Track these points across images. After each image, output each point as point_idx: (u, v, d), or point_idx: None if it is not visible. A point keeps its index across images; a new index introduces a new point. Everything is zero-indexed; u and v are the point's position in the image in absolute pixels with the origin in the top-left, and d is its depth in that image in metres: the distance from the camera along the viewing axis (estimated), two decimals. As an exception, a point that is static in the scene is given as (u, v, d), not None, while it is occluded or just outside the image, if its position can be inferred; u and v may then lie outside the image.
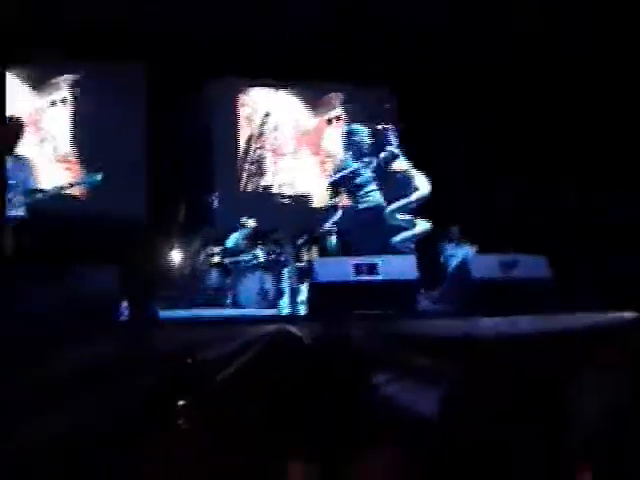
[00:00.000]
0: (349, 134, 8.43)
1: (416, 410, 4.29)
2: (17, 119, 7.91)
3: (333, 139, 12.58)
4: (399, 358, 4.68)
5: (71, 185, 8.54)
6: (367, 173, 8.17)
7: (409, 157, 8.53)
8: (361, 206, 8.11)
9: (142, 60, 11.85)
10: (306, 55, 11.82)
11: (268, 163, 12.67)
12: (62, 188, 7.92)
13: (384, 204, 8.23)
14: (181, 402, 4.00)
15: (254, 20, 11.10)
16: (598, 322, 4.90)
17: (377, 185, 8.22)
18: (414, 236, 8.17)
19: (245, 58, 11.87)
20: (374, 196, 8.17)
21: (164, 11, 10.93)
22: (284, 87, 13.07)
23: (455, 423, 3.60)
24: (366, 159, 8.17)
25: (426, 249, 9.11)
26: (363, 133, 8.35)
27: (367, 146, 8.25)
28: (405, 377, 4.59)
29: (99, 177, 8.04)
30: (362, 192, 8.16)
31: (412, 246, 8.16)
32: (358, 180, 8.17)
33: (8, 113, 7.66)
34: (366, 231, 7.97)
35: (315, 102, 13.17)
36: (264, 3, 10.76)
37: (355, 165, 8.24)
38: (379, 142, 8.17)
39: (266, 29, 11.27)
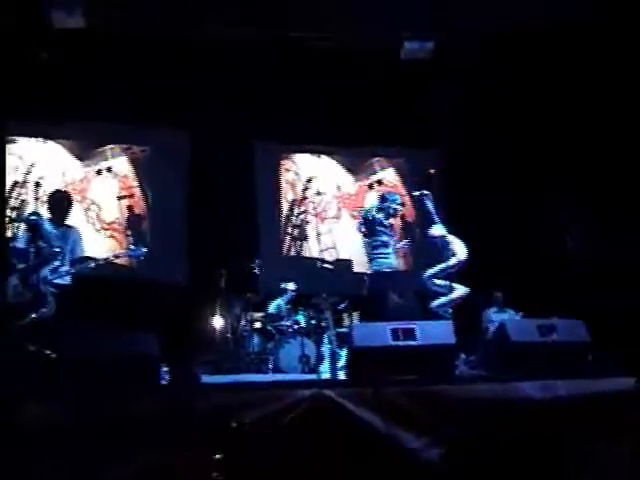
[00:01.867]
0: (382, 200, 8.50)
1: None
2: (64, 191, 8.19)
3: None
4: (436, 423, 4.70)
5: (117, 257, 8.72)
6: (385, 237, 8.19)
7: (449, 222, 8.60)
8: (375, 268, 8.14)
9: (188, 127, 12.12)
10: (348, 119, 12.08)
11: (310, 228, 12.77)
12: (108, 259, 8.08)
13: (398, 267, 8.27)
14: (217, 456, 4.05)
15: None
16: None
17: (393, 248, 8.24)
18: (451, 301, 8.17)
19: (287, 123, 12.14)
20: (389, 258, 8.19)
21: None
22: (327, 153, 13.27)
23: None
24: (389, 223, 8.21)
25: (466, 314, 9.11)
26: (395, 200, 8.41)
27: (395, 211, 8.30)
28: (443, 441, 4.61)
29: (144, 250, 8.23)
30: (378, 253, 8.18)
31: (450, 311, 8.16)
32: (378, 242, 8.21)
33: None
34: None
35: (357, 167, 13.35)
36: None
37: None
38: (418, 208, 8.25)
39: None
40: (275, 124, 12.15)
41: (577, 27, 10.12)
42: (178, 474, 4.07)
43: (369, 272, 8.26)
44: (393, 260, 8.21)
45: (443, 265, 8.21)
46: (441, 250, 8.26)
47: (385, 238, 8.16)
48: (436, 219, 8.20)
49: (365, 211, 8.74)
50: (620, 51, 9.93)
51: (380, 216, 8.26)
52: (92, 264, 7.73)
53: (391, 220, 8.24)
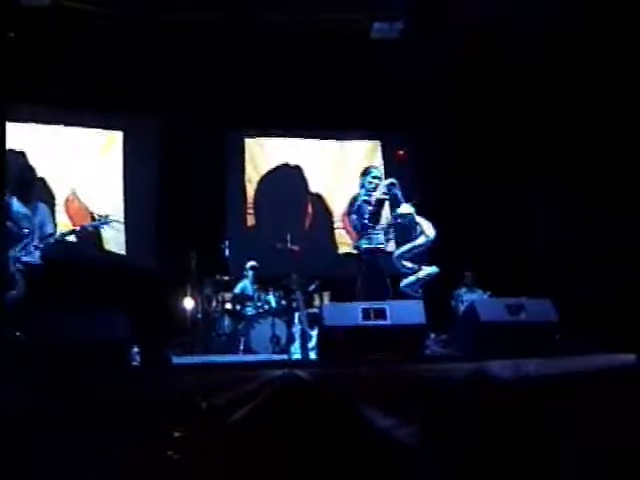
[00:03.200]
0: (363, 173, 8.44)
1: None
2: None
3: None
4: (407, 402, 4.72)
5: (85, 228, 8.72)
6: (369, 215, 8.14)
7: (417, 202, 8.60)
8: (364, 245, 8.09)
9: (159, 111, 12.04)
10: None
11: (279, 210, 12.76)
12: (75, 230, 8.07)
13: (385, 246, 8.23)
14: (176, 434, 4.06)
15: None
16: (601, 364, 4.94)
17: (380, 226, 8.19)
18: (419, 280, 8.17)
19: (256, 111, 12.10)
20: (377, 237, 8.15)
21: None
22: (297, 136, 13.25)
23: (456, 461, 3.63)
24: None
25: (437, 294, 9.16)
26: (371, 173, 8.34)
27: (376, 186, 8.23)
28: (413, 421, 4.63)
29: (112, 218, 8.26)
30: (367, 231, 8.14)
31: (420, 291, 8.17)
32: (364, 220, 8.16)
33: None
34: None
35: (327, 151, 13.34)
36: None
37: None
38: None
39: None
40: (245, 109, 12.11)
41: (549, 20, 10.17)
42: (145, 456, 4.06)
43: (362, 249, 8.17)
44: (381, 237, 8.17)
45: (410, 245, 8.21)
46: (409, 229, 8.25)
47: (369, 216, 8.09)
48: (403, 200, 8.16)
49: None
50: (597, 47, 9.99)
51: (362, 192, 8.23)
52: (59, 236, 7.75)
53: (374, 195, 8.13)
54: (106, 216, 8.53)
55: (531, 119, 10.88)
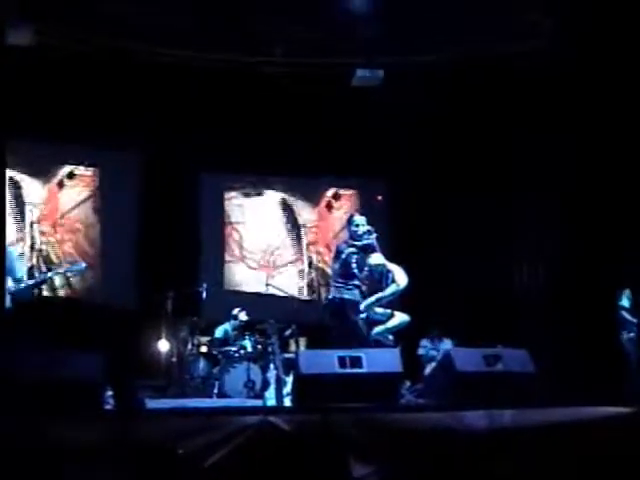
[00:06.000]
0: (348, 222, 8.42)
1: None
2: None
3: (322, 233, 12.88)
4: (383, 451, 4.69)
5: (57, 273, 8.67)
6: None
7: (389, 250, 8.62)
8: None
9: (138, 150, 12.03)
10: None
11: (257, 256, 12.78)
12: (46, 276, 8.01)
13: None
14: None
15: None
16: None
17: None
18: (389, 329, 8.13)
19: (235, 152, 12.12)
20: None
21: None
22: (275, 184, 13.26)
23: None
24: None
25: (409, 342, 9.17)
26: (354, 222, 8.31)
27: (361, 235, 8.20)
28: (388, 470, 4.60)
29: (83, 265, 8.22)
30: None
31: (391, 338, 8.14)
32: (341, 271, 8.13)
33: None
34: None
35: (313, 196, 13.35)
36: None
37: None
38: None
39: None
40: (222, 154, 12.15)
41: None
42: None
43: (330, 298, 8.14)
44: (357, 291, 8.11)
45: (379, 295, 8.18)
46: (380, 279, 8.24)
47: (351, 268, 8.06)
48: (376, 248, 8.14)
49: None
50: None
51: (345, 244, 8.21)
52: (35, 282, 7.68)
53: (358, 243, 8.10)
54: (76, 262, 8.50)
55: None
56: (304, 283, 13.01)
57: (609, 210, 10.05)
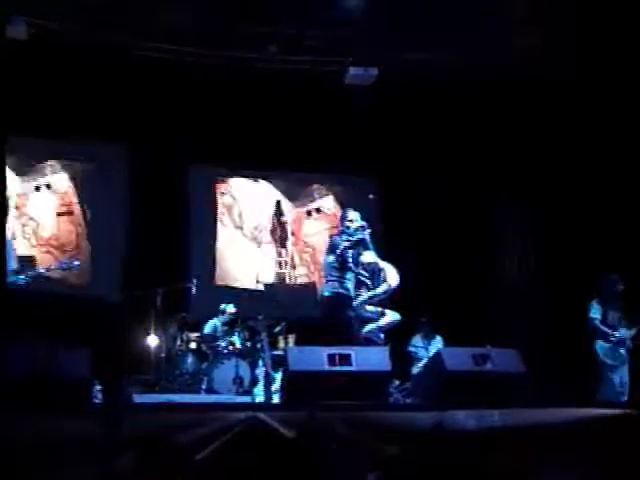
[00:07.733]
0: (342, 219, 8.39)
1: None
2: None
3: (311, 230, 12.83)
4: (371, 449, 4.69)
5: (49, 269, 8.65)
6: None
7: (381, 248, 8.61)
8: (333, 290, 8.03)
9: (127, 144, 11.98)
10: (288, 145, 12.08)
11: (248, 251, 12.74)
12: (40, 272, 8.00)
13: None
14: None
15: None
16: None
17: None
18: (380, 328, 8.14)
19: (226, 146, 12.10)
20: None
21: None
22: (265, 177, 13.19)
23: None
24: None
25: (399, 341, 9.19)
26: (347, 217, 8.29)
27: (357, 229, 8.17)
28: (375, 468, 4.60)
29: (76, 263, 8.20)
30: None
31: (382, 336, 8.15)
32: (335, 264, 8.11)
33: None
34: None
35: (295, 193, 13.29)
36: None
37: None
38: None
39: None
40: (211, 147, 12.09)
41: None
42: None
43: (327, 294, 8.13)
44: (351, 284, 8.10)
45: (371, 293, 8.19)
46: (372, 277, 8.25)
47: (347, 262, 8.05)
48: (369, 246, 8.14)
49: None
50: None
51: (343, 236, 8.19)
52: (28, 276, 7.67)
53: (353, 238, 8.09)
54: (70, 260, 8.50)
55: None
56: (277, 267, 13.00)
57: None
